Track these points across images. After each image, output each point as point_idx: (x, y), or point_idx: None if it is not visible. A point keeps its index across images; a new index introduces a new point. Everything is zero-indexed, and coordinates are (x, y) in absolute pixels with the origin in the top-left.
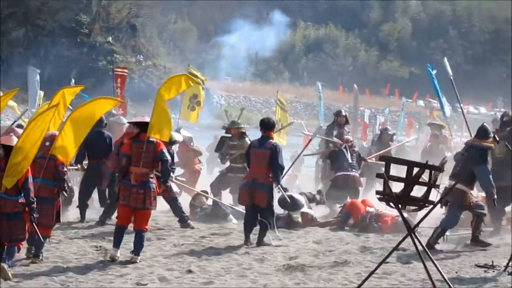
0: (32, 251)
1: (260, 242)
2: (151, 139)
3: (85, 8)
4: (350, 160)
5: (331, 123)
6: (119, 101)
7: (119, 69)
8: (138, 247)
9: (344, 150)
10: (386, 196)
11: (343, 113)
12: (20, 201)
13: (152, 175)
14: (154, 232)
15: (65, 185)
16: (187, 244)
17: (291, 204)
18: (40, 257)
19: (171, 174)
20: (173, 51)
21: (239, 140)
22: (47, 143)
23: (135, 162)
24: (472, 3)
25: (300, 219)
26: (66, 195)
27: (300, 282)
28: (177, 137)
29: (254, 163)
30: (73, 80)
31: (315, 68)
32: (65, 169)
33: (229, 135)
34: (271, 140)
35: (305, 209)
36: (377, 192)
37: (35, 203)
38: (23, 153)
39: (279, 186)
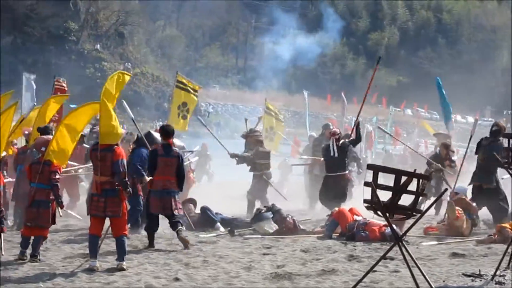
0: (25, 254)
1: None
2: (108, 147)
3: (74, 15)
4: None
5: (320, 135)
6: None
7: (58, 83)
8: (120, 253)
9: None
10: (373, 204)
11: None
12: None
13: (115, 183)
14: (141, 240)
15: (58, 191)
16: (174, 252)
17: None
18: (38, 257)
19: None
20: (161, 59)
21: (254, 146)
22: (43, 148)
23: (95, 171)
24: (459, 12)
25: (271, 230)
26: (59, 204)
27: None
28: (179, 143)
29: (162, 172)
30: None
31: (303, 76)
32: (57, 176)
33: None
34: (175, 149)
35: (269, 222)
36: (365, 201)
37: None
38: None
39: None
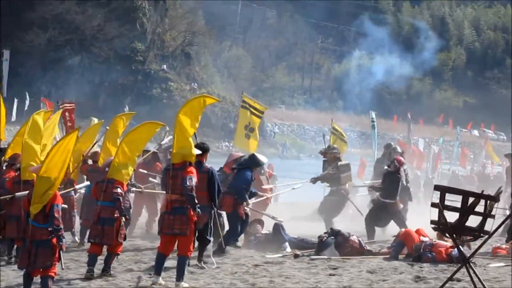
0: (91, 272)
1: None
2: (180, 166)
3: (140, 36)
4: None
5: (382, 155)
6: (162, 125)
7: (66, 104)
8: (179, 273)
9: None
10: (441, 225)
11: (393, 146)
12: (49, 229)
13: (185, 201)
14: (208, 260)
15: (121, 205)
16: (240, 272)
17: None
18: (109, 272)
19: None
20: (227, 79)
21: (333, 163)
22: (106, 169)
23: (167, 189)
24: None
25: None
26: (123, 216)
27: None
28: (264, 159)
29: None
30: (126, 107)
31: (368, 96)
32: (120, 191)
33: (325, 159)
34: (206, 165)
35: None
36: (432, 222)
37: (60, 230)
38: (49, 180)
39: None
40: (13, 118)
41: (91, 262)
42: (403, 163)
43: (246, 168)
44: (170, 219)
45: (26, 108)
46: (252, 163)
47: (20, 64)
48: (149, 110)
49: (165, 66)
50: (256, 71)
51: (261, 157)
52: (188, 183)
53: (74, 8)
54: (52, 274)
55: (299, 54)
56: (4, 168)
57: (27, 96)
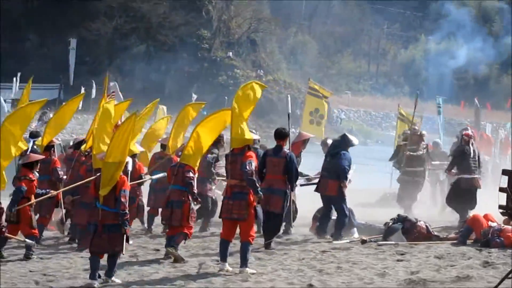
0: (172, 248)
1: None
2: (240, 151)
3: (206, 23)
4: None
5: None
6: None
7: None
8: (242, 259)
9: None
10: (509, 210)
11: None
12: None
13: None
14: (275, 245)
15: (193, 189)
16: (308, 258)
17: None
18: (176, 249)
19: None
20: (293, 66)
21: (419, 143)
22: (179, 153)
23: (227, 175)
24: None
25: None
26: (195, 200)
27: None
28: (356, 140)
29: (270, 171)
30: (194, 96)
31: (435, 82)
32: (192, 175)
33: (405, 142)
34: (285, 150)
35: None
36: (500, 207)
37: (126, 214)
38: (114, 165)
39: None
40: (80, 106)
41: (168, 243)
42: (471, 136)
43: (345, 149)
44: (229, 204)
45: (93, 96)
46: (346, 143)
47: (86, 53)
48: (215, 97)
49: (231, 53)
50: (321, 58)
51: (352, 138)
52: (247, 168)
53: None
54: (117, 257)
55: (365, 41)
56: (84, 158)
57: (94, 85)
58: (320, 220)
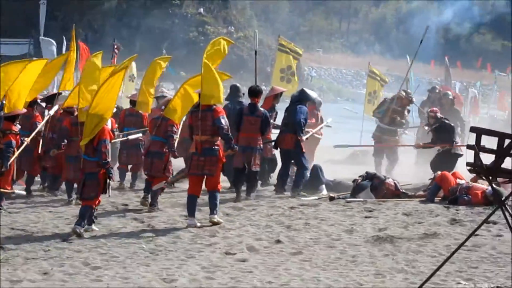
0: (147, 200)
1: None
2: (208, 107)
3: None
4: None
5: (426, 98)
6: (228, 76)
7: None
8: (212, 207)
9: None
10: (476, 168)
11: (437, 90)
12: (98, 162)
13: (216, 142)
14: (243, 202)
15: (172, 142)
16: (276, 215)
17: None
18: (156, 206)
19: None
20: (265, 23)
21: (404, 108)
22: (163, 107)
23: (196, 131)
24: None
25: None
26: (172, 153)
27: (389, 253)
28: (314, 94)
29: (247, 129)
30: (164, 51)
31: (406, 40)
32: (174, 129)
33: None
34: (260, 108)
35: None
36: (468, 164)
37: (108, 163)
38: (97, 116)
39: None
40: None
41: (146, 189)
42: (436, 111)
43: (302, 102)
44: (200, 160)
45: (63, 51)
46: (304, 97)
47: (57, 7)
48: (186, 54)
49: (202, 9)
50: (293, 15)
51: (311, 92)
52: (223, 123)
53: None
54: (93, 205)
55: None
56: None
57: (64, 40)
58: (279, 177)
